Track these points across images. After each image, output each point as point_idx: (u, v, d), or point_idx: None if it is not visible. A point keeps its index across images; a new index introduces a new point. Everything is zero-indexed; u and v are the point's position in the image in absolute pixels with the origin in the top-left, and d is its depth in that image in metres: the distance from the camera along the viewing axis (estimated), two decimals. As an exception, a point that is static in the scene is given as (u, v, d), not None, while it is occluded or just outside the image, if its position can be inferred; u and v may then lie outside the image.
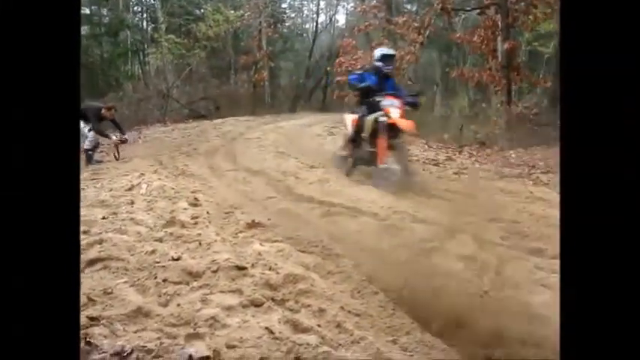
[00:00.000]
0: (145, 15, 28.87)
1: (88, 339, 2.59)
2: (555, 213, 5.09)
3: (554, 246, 4.16)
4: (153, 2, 26.19)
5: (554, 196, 5.96)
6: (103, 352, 2.50)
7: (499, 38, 11.74)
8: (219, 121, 18.44)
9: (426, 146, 11.38)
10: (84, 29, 21.05)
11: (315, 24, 32.98)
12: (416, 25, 12.51)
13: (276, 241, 4.26)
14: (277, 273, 3.45)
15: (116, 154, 9.48)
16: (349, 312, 2.93)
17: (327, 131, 14.31)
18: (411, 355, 2.49)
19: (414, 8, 25.24)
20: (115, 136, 9.55)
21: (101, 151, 9.74)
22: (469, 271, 3.65)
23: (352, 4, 32.38)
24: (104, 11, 22.46)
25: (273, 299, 3.09)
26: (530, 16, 12.09)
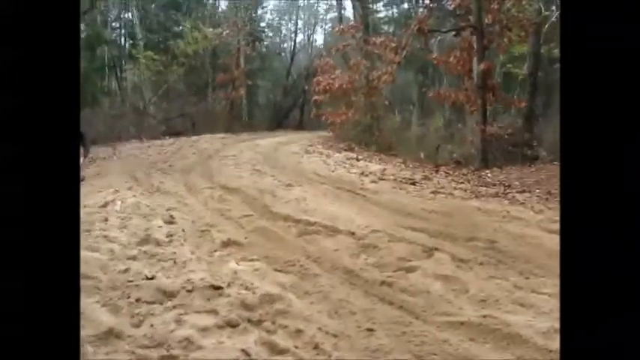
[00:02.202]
0: (123, 31, 28.72)
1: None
2: (531, 232, 5.16)
3: (532, 265, 4.18)
4: (131, 18, 26.09)
5: (531, 215, 6.00)
6: (72, 376, 2.41)
7: (475, 59, 11.90)
8: (195, 138, 18.33)
9: (403, 165, 11.41)
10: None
11: (293, 43, 33.27)
12: (393, 45, 12.60)
13: (252, 260, 4.20)
14: (253, 293, 3.40)
15: None
16: (327, 333, 2.88)
17: (304, 149, 14.30)
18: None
19: (392, 29, 25.57)
20: None
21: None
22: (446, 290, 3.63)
23: (330, 25, 32.76)
24: (82, 26, 22.23)
25: (249, 320, 3.03)
26: (505, 39, 12.31)
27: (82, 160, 9.34)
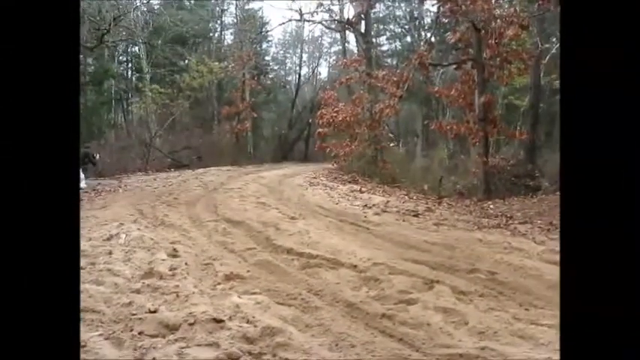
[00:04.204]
0: (129, 65, 29.29)
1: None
2: (532, 263, 5.19)
3: (532, 297, 4.21)
4: (138, 53, 26.58)
5: (532, 247, 6.03)
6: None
7: (476, 92, 12.03)
8: (201, 170, 18.47)
9: (407, 197, 11.47)
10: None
11: (297, 76, 33.74)
12: (395, 79, 12.76)
13: (254, 294, 4.24)
14: (255, 326, 3.43)
15: None
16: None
17: (308, 182, 14.37)
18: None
19: (395, 62, 25.93)
20: None
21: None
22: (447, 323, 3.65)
23: (334, 58, 33.24)
24: (89, 60, 22.69)
25: (250, 353, 3.06)
26: (505, 71, 12.47)
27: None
